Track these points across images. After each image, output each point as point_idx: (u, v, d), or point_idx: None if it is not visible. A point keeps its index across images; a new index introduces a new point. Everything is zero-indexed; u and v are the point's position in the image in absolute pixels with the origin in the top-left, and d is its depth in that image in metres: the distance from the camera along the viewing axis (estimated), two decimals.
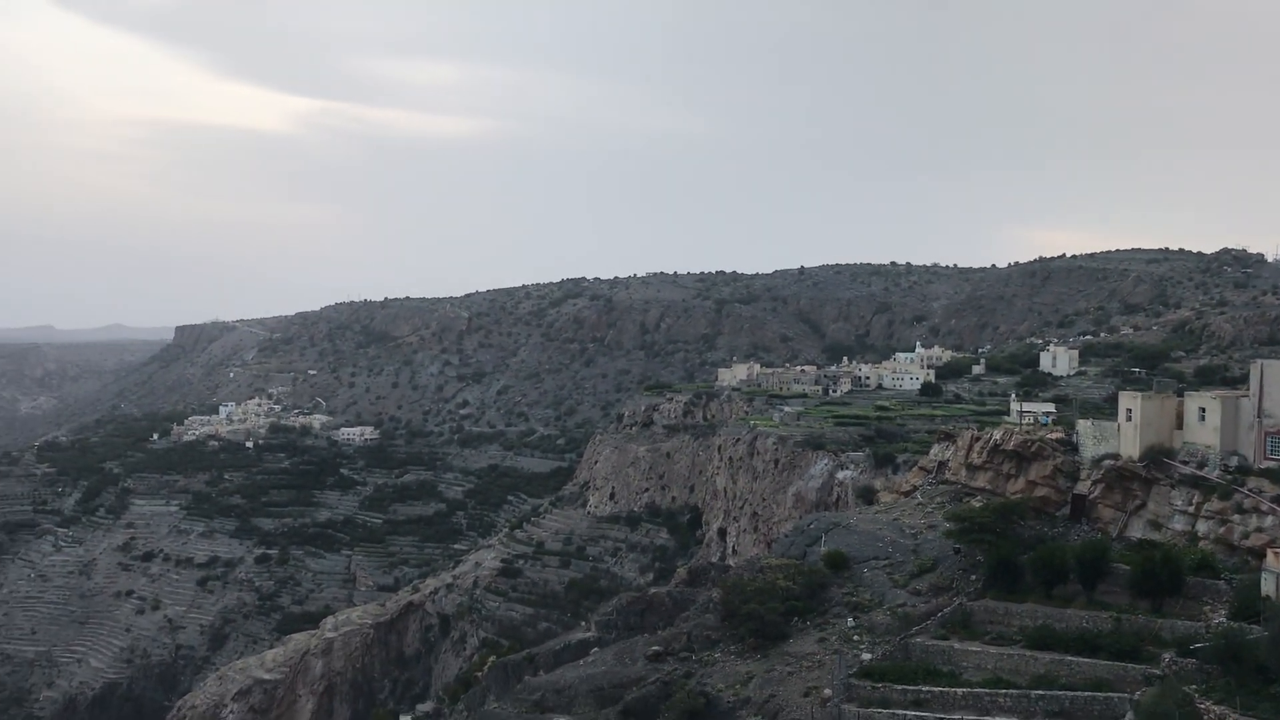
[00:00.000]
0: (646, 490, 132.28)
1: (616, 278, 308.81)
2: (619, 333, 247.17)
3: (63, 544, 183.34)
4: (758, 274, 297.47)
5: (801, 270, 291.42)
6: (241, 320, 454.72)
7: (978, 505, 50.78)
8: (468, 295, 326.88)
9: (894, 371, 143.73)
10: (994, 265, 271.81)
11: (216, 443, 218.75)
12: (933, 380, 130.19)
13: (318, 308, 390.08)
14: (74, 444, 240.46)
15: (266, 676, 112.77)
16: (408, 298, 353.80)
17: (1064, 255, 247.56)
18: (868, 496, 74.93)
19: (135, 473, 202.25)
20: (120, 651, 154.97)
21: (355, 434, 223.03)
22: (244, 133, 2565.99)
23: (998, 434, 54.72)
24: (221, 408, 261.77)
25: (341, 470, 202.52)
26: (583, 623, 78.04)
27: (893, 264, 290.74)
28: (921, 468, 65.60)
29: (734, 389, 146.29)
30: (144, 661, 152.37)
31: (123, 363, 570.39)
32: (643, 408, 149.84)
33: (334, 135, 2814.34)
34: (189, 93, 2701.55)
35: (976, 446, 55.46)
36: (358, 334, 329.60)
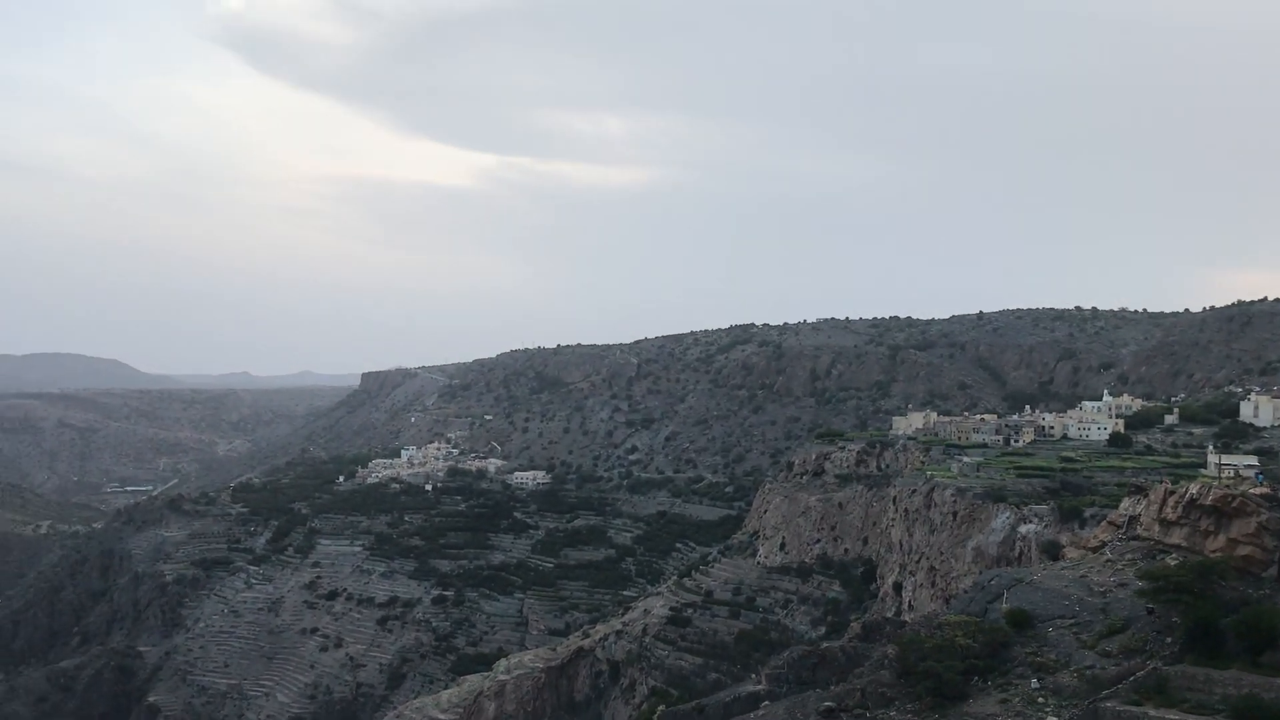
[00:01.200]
0: (818, 541, 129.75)
1: (786, 324, 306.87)
2: (789, 379, 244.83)
3: (254, 581, 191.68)
4: (934, 319, 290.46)
5: (980, 315, 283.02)
6: (423, 367, 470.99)
7: (1173, 563, 47.63)
8: (637, 341, 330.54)
9: (1080, 421, 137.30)
10: (1187, 309, 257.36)
11: (398, 485, 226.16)
12: (1122, 430, 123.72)
13: (494, 355, 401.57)
14: (266, 485, 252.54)
15: (441, 717, 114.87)
16: (579, 344, 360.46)
17: (1265, 299, 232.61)
18: (1052, 552, 71.44)
19: (322, 513, 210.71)
20: (304, 687, 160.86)
21: (528, 478, 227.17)
22: (426, 187, 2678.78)
23: (1195, 488, 51.23)
24: (403, 451, 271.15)
25: (515, 514, 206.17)
26: (753, 675, 76.72)
27: (1077, 309, 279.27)
28: (1111, 523, 62.08)
29: (909, 438, 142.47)
30: (326, 698, 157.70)
31: (312, 408, 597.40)
32: (814, 456, 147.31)
33: (511, 188, 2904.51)
34: (376, 150, 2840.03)
35: (1171, 501, 52.10)
36: (531, 380, 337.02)
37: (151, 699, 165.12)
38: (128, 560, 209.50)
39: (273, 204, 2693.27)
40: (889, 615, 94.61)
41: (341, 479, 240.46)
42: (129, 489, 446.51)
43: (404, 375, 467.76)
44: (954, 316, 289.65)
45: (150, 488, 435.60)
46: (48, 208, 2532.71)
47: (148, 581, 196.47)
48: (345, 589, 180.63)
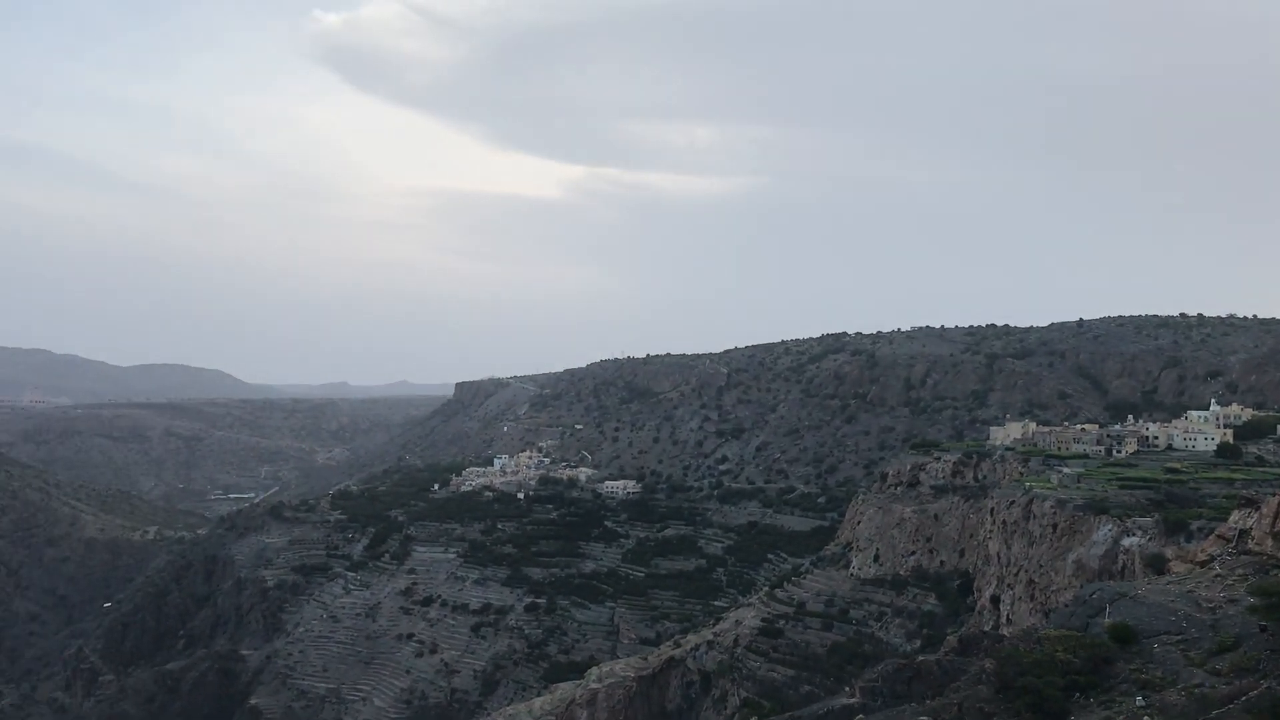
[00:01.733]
0: (913, 553, 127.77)
1: (879, 332, 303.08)
2: (882, 389, 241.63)
3: (351, 587, 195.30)
4: (1032, 327, 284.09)
5: (1080, 323, 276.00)
6: (515, 377, 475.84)
7: None
8: (727, 351, 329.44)
9: (1186, 431, 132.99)
10: None
11: (491, 493, 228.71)
12: (1230, 441, 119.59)
13: (584, 364, 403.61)
14: (363, 493, 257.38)
15: None
16: (668, 354, 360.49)
17: None
18: (1157, 566, 69.25)
19: (417, 521, 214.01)
20: (400, 692, 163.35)
21: (618, 487, 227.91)
22: (517, 199, 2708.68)
23: None
24: (496, 460, 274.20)
25: (605, 523, 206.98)
26: (846, 688, 75.78)
27: (1182, 315, 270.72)
28: (1220, 536, 59.99)
29: (1007, 448, 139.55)
30: (421, 703, 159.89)
31: (408, 417, 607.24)
32: (908, 467, 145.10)
33: (600, 199, 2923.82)
34: (469, 164, 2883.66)
35: None
36: (621, 390, 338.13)
37: (253, 701, 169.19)
38: (231, 566, 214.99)
39: (370, 218, 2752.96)
40: (986, 629, 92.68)
41: (436, 487, 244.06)
42: (232, 496, 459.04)
43: (496, 385, 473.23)
44: (1053, 324, 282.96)
45: (252, 495, 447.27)
46: (158, 225, 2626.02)
47: (250, 586, 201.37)
48: (440, 595, 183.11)
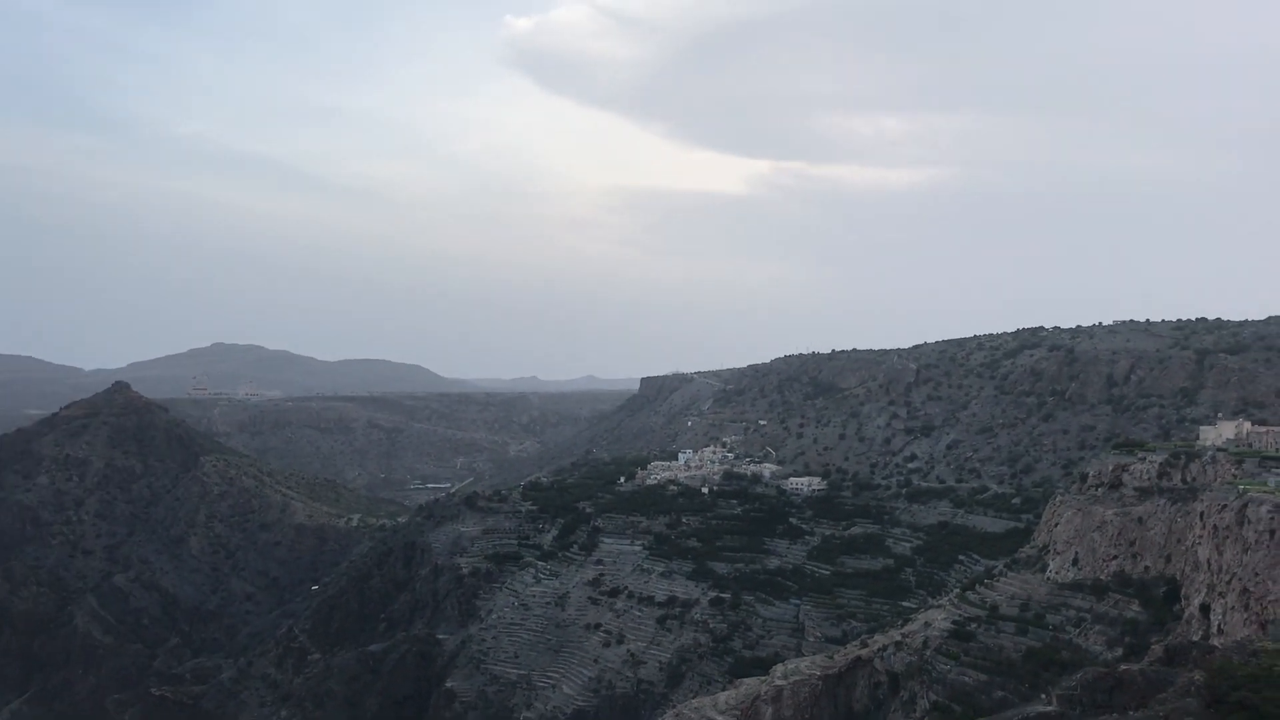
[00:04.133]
0: (1115, 558, 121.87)
1: (1079, 326, 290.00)
2: (1082, 385, 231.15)
3: (542, 576, 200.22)
4: (1246, 320, 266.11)
5: None
6: (699, 372, 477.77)
7: None
8: (915, 346, 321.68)
9: None
10: None
11: (675, 487, 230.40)
12: None
13: (768, 360, 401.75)
14: (553, 485, 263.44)
15: (719, 718, 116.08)
16: (855, 350, 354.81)
17: None
18: None
19: (605, 513, 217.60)
20: (588, 681, 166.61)
21: (803, 484, 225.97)
22: (703, 196, 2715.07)
23: None
24: (680, 454, 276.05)
25: (790, 519, 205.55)
26: (1042, 695, 73.13)
27: None
28: None
29: (1219, 449, 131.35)
30: (609, 693, 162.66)
31: (595, 411, 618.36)
32: (1110, 467, 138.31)
33: (786, 193, 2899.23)
34: (657, 162, 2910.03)
35: None
36: (806, 385, 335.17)
37: (449, 684, 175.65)
38: (428, 553, 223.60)
39: (561, 217, 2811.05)
40: (1195, 639, 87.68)
41: (622, 480, 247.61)
42: (429, 486, 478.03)
43: (680, 380, 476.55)
44: (1270, 318, 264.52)
45: (449, 485, 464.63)
46: (363, 227, 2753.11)
47: (446, 573, 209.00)
48: (626, 587, 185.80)
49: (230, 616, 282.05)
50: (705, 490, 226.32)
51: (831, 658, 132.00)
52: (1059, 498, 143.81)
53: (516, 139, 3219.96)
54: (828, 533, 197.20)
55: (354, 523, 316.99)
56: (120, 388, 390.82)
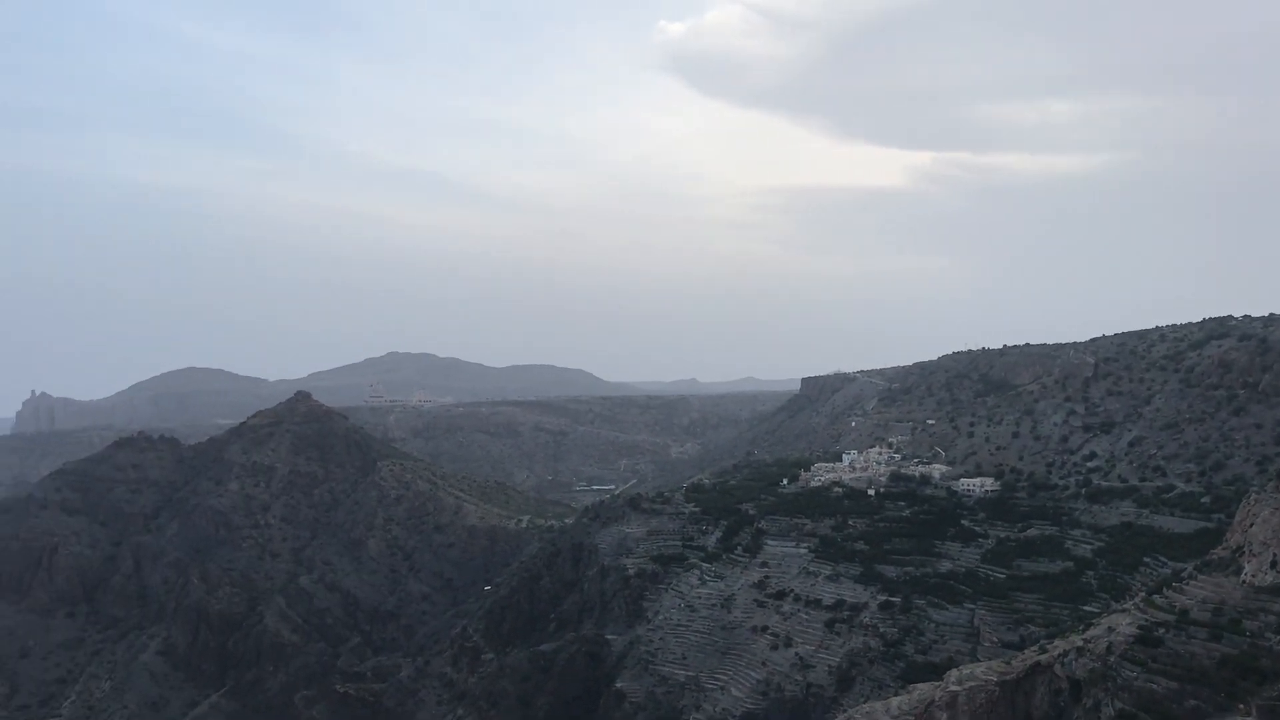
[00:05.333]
0: None
1: (1271, 315, 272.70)
2: (1276, 377, 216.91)
3: (706, 578, 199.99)
4: None
5: None
6: (862, 371, 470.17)
7: None
8: (1093, 339, 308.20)
9: None
10: None
11: (840, 489, 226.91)
12: None
13: (935, 357, 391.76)
14: (715, 486, 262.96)
15: None
16: (1027, 344, 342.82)
17: None
18: None
19: (768, 515, 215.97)
20: (756, 684, 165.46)
21: (975, 485, 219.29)
22: (862, 191, 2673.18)
23: None
24: (844, 456, 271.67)
25: (962, 521, 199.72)
26: (1240, 705, 68.84)
27: None
28: None
29: None
30: (778, 695, 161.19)
31: (755, 412, 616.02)
32: None
33: (948, 185, 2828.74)
34: (814, 159, 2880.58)
35: None
36: (975, 383, 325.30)
37: (618, 685, 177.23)
38: (595, 554, 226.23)
39: (718, 219, 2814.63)
40: None
41: (785, 482, 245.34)
42: (594, 488, 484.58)
43: (843, 380, 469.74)
44: None
45: (613, 487, 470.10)
46: (523, 236, 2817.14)
47: (612, 574, 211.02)
48: (793, 589, 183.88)
49: (407, 616, 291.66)
50: (871, 492, 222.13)
51: (1009, 663, 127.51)
52: (1254, 496, 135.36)
53: (671, 143, 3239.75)
54: (1002, 535, 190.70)
55: (523, 524, 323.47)
56: (302, 397, 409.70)
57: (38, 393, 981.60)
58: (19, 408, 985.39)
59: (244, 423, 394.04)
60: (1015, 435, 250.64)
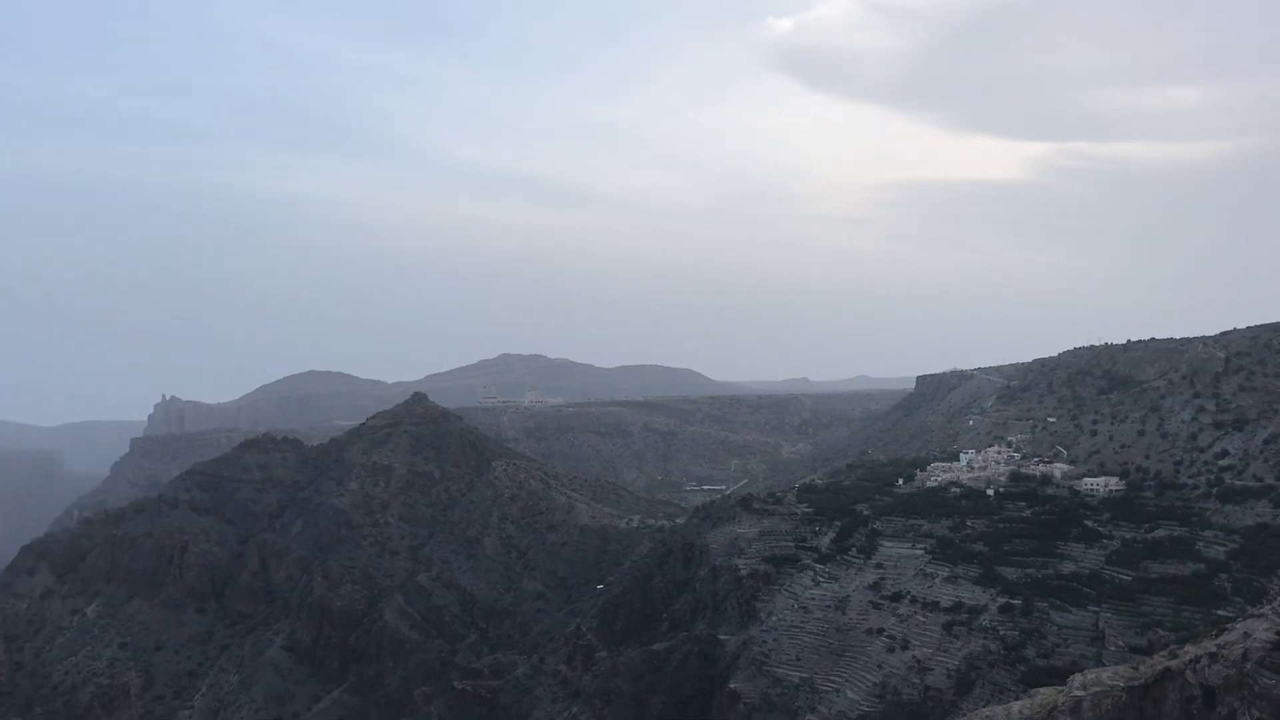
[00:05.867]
0: None
1: None
2: None
3: (820, 579, 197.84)
4: None
5: None
6: (979, 368, 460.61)
7: None
8: (1224, 333, 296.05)
9: None
10: None
11: (957, 489, 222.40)
12: None
13: (1055, 353, 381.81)
14: (828, 486, 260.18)
15: None
16: (1153, 339, 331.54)
17: None
18: None
19: (882, 515, 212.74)
20: (873, 686, 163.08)
21: (1098, 484, 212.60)
22: (977, 184, 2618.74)
23: None
24: (962, 455, 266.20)
25: (1085, 522, 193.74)
26: None
27: None
28: None
29: None
30: (894, 699, 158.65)
31: (868, 411, 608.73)
32: None
33: (1068, 176, 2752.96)
34: (925, 152, 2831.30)
35: None
36: (1099, 379, 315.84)
37: (732, 685, 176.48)
38: (706, 554, 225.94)
39: (826, 215, 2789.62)
40: None
41: (900, 482, 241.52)
42: (705, 488, 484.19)
43: (959, 377, 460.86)
44: None
45: (723, 487, 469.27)
46: (632, 236, 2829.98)
47: (724, 574, 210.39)
48: (909, 591, 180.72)
49: (522, 614, 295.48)
50: (990, 492, 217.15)
51: (1136, 668, 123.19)
52: None
53: (779, 140, 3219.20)
54: (1128, 536, 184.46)
55: (634, 524, 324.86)
56: (419, 398, 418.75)
57: (168, 397, 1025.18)
58: (151, 411, 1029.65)
59: (364, 424, 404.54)
60: (1141, 433, 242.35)
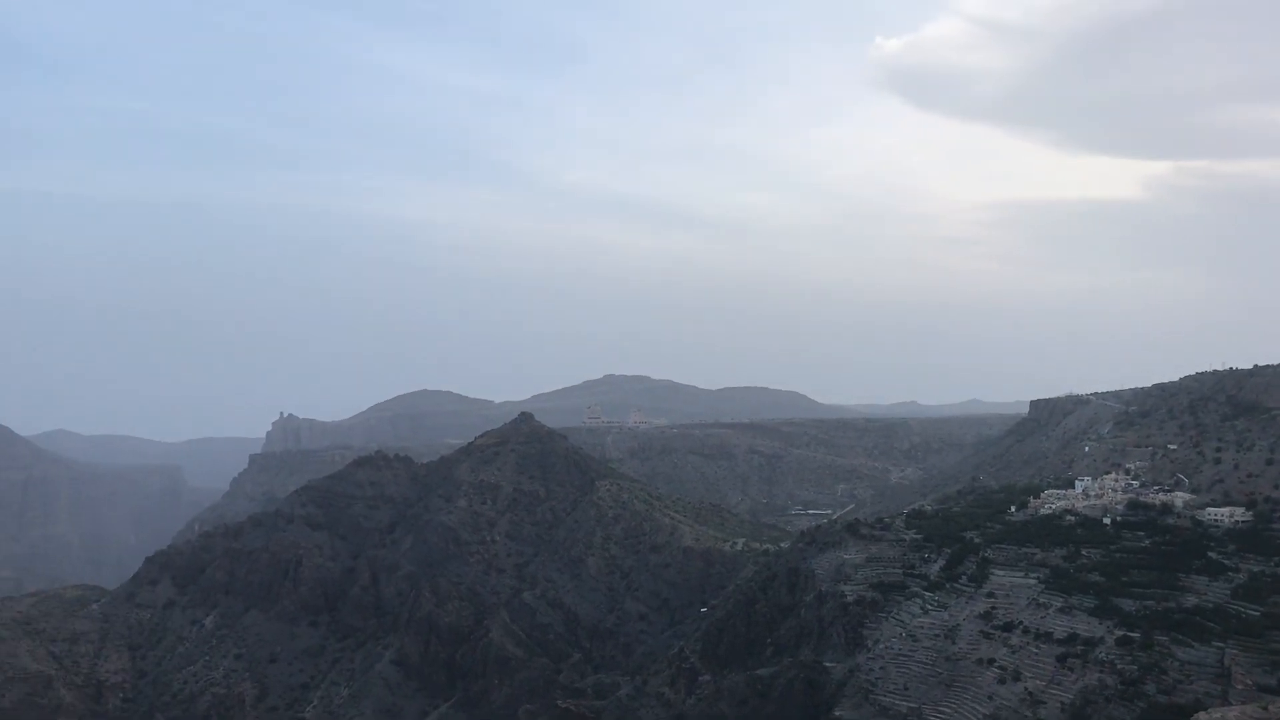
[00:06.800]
0: None
1: None
2: None
3: (929, 607, 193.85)
4: None
5: None
6: (1095, 393, 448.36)
7: None
8: None
9: None
10: None
11: (1073, 517, 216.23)
12: None
13: (1176, 378, 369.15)
14: (938, 513, 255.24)
15: None
16: None
17: None
18: None
19: (994, 543, 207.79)
20: (983, 718, 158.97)
21: (1223, 514, 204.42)
22: (1092, 204, 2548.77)
23: None
24: (1077, 482, 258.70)
25: (1209, 553, 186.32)
26: None
27: None
28: None
29: None
30: None
31: (980, 436, 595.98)
32: None
33: (1189, 195, 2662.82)
34: (1037, 171, 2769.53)
35: None
36: (1222, 405, 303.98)
37: (837, 714, 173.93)
38: (811, 579, 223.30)
39: (934, 236, 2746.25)
40: None
41: (1013, 509, 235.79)
42: (810, 512, 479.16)
43: (1075, 402, 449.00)
44: None
45: (829, 511, 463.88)
46: (738, 258, 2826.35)
47: (830, 600, 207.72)
48: (1021, 622, 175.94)
49: (625, 635, 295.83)
50: (1107, 521, 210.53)
51: (1266, 708, 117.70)
52: None
53: (887, 161, 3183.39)
54: (1256, 569, 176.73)
55: (738, 547, 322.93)
56: (525, 418, 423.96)
57: (286, 414, 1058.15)
58: (269, 428, 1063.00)
59: (472, 443, 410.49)
60: (1269, 462, 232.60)
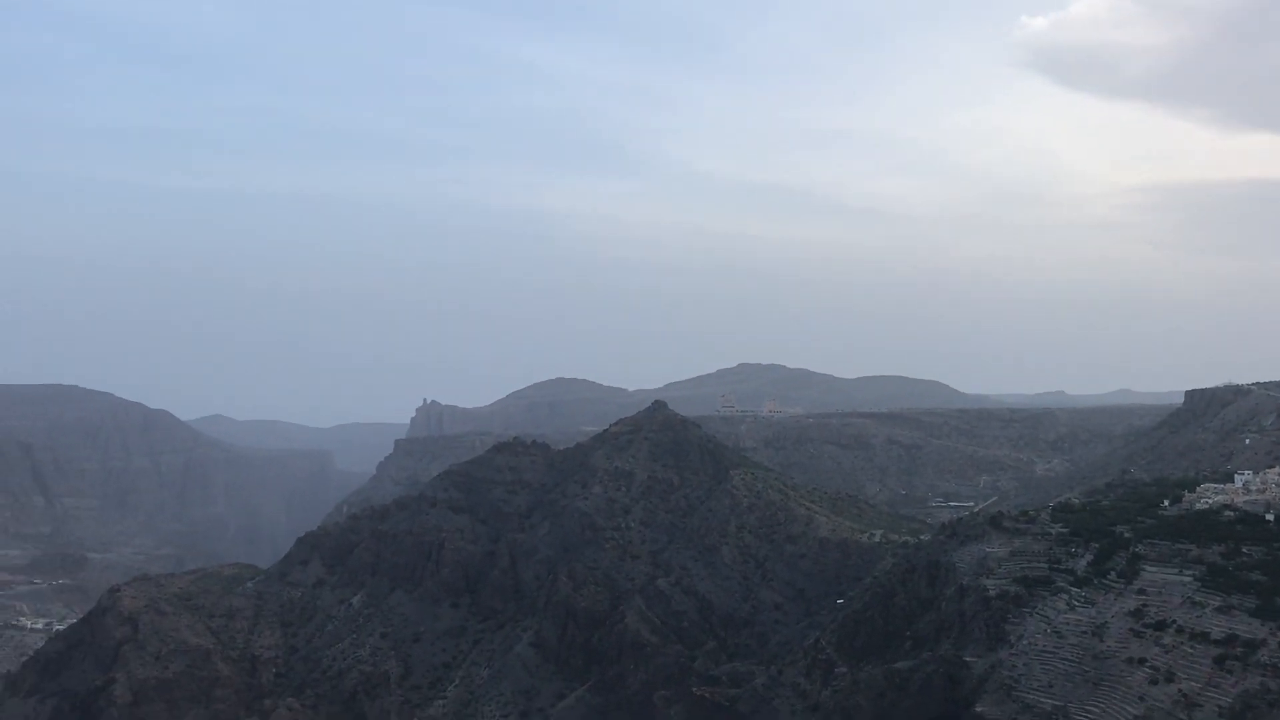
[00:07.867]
0: None
1: None
2: None
3: (1075, 604, 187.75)
4: None
5: None
6: (1258, 383, 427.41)
7: None
8: None
9: None
10: None
11: (1231, 513, 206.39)
12: None
13: None
14: (1085, 506, 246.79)
15: None
16: None
17: None
18: None
19: (1145, 539, 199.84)
20: (1133, 719, 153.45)
21: None
22: (1251, 184, 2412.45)
23: None
24: (1236, 476, 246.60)
25: None
26: None
27: None
28: None
29: None
30: None
31: (1130, 427, 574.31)
32: None
33: None
34: (1194, 152, 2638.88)
35: None
36: None
37: (979, 709, 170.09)
38: (952, 572, 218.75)
39: (1081, 220, 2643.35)
40: None
41: (1166, 503, 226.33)
42: (951, 504, 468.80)
43: (1234, 392, 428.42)
44: None
45: (971, 503, 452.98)
46: (875, 245, 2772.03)
47: (971, 594, 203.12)
48: (1175, 621, 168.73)
49: (760, 624, 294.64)
50: (1270, 517, 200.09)
51: None
52: None
53: (1032, 143, 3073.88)
54: None
55: (876, 538, 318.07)
56: (659, 406, 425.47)
57: (429, 401, 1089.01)
58: (413, 414, 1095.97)
59: (606, 430, 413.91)
60: None
